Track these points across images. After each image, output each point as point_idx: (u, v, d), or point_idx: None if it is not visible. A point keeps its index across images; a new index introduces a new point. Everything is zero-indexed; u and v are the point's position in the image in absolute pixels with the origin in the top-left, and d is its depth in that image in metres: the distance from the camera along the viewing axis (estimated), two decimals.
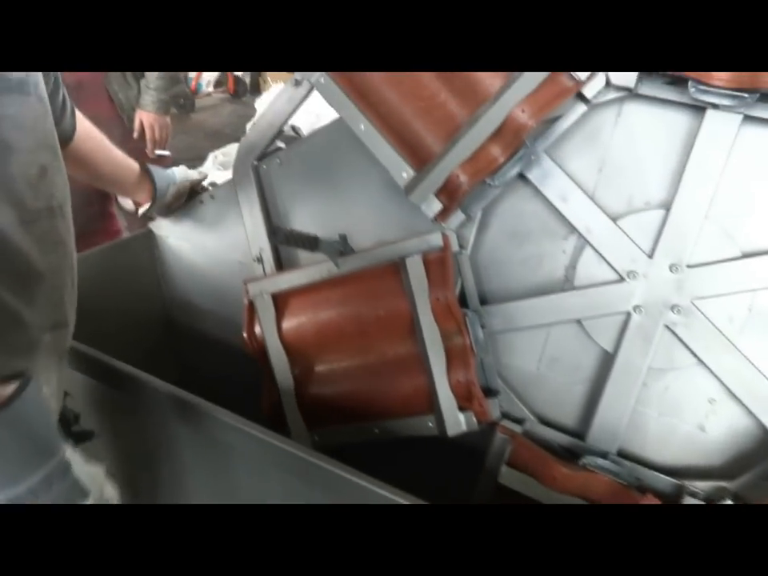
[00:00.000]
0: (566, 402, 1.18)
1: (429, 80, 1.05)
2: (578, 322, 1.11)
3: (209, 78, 6.48)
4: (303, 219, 1.30)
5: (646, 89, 0.96)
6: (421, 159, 1.07)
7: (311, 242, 1.18)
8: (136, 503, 1.38)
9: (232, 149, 3.17)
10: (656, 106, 0.98)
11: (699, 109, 0.95)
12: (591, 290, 1.09)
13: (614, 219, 1.05)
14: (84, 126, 1.19)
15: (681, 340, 1.04)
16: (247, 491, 1.12)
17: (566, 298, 1.10)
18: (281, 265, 1.32)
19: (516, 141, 0.98)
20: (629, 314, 1.06)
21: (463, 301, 1.18)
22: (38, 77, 0.77)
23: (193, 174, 1.44)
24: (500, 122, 0.97)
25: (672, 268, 1.01)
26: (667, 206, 1.00)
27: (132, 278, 1.58)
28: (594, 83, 0.96)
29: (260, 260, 1.27)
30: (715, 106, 0.92)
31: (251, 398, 1.30)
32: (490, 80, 1.01)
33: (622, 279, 1.06)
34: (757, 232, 0.98)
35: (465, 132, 1.01)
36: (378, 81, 1.08)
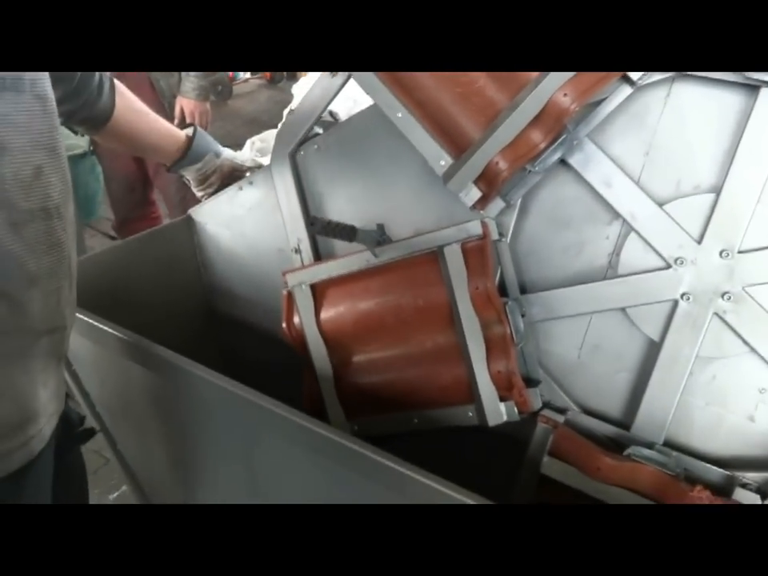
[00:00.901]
0: (609, 391, 1.13)
1: None
2: (623, 310, 1.06)
3: None
4: (340, 207, 1.28)
5: None
6: (459, 146, 1.04)
7: (349, 233, 1.16)
8: (181, 485, 1.40)
9: (269, 135, 3.13)
10: (707, 86, 0.92)
11: (752, 88, 0.89)
12: (636, 278, 1.04)
13: (661, 204, 1.00)
14: (125, 100, 1.19)
15: (731, 327, 0.99)
16: (286, 475, 1.11)
17: (609, 286, 1.06)
18: (319, 255, 1.30)
19: (558, 126, 0.94)
20: (676, 302, 1.01)
21: (503, 290, 1.14)
22: (37, 74, 0.73)
23: (241, 159, 1.43)
24: (541, 106, 0.93)
25: (722, 254, 0.96)
26: (717, 190, 0.95)
27: (172, 265, 1.56)
28: None
29: (298, 251, 1.26)
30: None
31: (292, 384, 1.27)
32: None
33: (668, 266, 1.01)
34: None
35: (504, 118, 0.96)
36: None
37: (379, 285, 1.21)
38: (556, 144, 0.95)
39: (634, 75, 0.92)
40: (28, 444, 0.80)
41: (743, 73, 0.87)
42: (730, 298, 0.97)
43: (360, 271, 1.21)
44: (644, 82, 0.93)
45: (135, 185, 2.39)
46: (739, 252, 0.96)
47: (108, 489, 1.88)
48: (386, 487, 0.90)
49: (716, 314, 0.99)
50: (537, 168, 0.97)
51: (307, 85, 3.15)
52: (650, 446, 1.06)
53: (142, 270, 1.47)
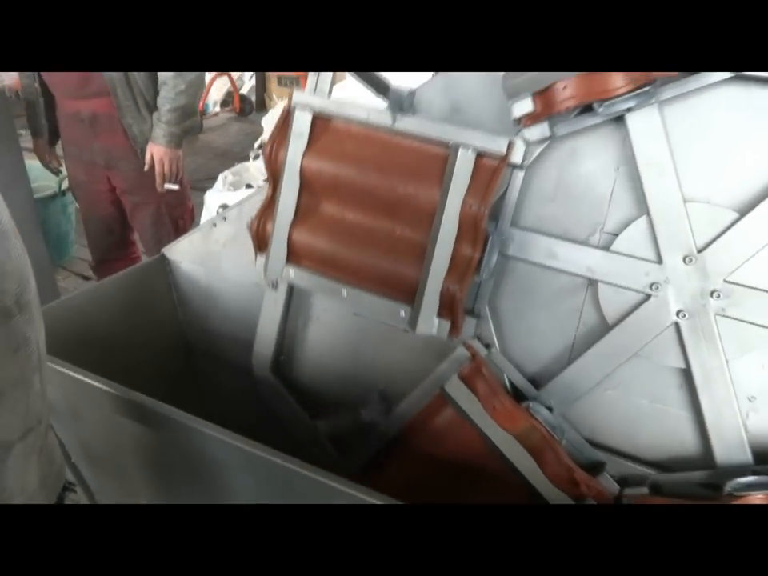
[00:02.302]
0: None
1: None
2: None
3: (215, 98, 6.10)
4: None
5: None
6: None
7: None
8: None
9: (241, 168, 3.14)
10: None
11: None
12: (626, 321, 1.01)
13: (606, 248, 1.01)
14: None
15: (740, 320, 0.95)
16: None
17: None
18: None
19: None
20: (677, 324, 0.98)
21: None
22: None
23: None
24: None
25: (686, 260, 0.95)
26: (642, 212, 0.97)
27: (148, 305, 1.46)
28: None
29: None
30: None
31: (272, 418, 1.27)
32: None
33: (648, 296, 0.99)
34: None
35: None
36: None
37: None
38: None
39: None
40: None
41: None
42: (719, 295, 0.95)
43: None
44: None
45: (113, 226, 2.22)
46: (699, 251, 0.95)
47: None
48: None
49: (718, 315, 0.96)
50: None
51: (275, 116, 2.92)
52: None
53: (117, 311, 1.37)
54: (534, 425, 1.06)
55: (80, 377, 1.00)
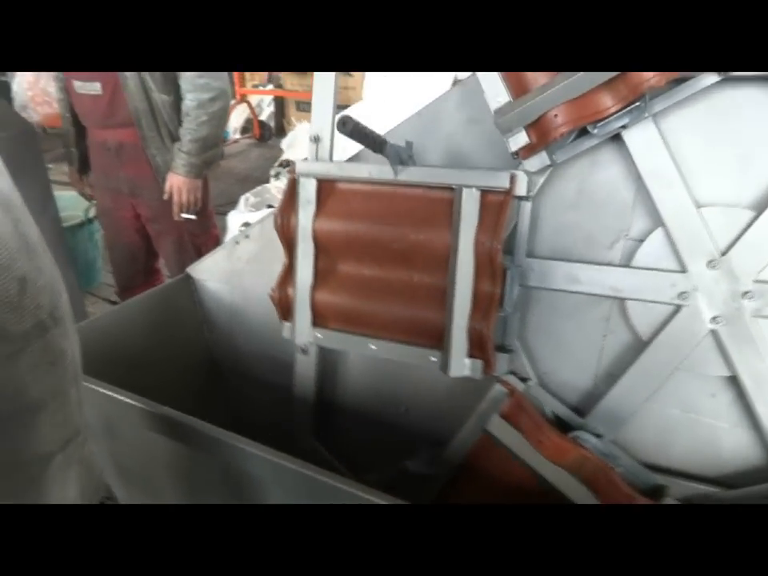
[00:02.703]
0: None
1: None
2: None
3: (235, 125, 6.34)
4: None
5: None
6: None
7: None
8: None
9: (262, 190, 3.21)
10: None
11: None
12: (662, 336, 0.99)
13: (627, 264, 0.99)
14: None
15: None
16: None
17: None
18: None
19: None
20: (714, 331, 0.95)
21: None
22: None
23: None
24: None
25: (710, 265, 0.92)
26: (660, 223, 0.95)
27: (173, 324, 1.48)
28: None
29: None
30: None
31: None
32: None
33: (679, 307, 0.96)
34: (745, 185, 0.90)
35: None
36: None
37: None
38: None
39: None
40: None
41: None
42: (752, 296, 0.91)
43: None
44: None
45: (137, 254, 2.29)
46: (722, 254, 0.92)
47: None
48: None
49: (755, 316, 0.92)
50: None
51: (295, 138, 3.02)
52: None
53: (144, 330, 1.40)
54: (585, 455, 1.01)
55: (111, 393, 1.01)
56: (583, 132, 0.95)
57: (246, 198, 3.08)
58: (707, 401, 1.00)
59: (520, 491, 1.07)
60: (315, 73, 1.15)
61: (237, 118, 6.31)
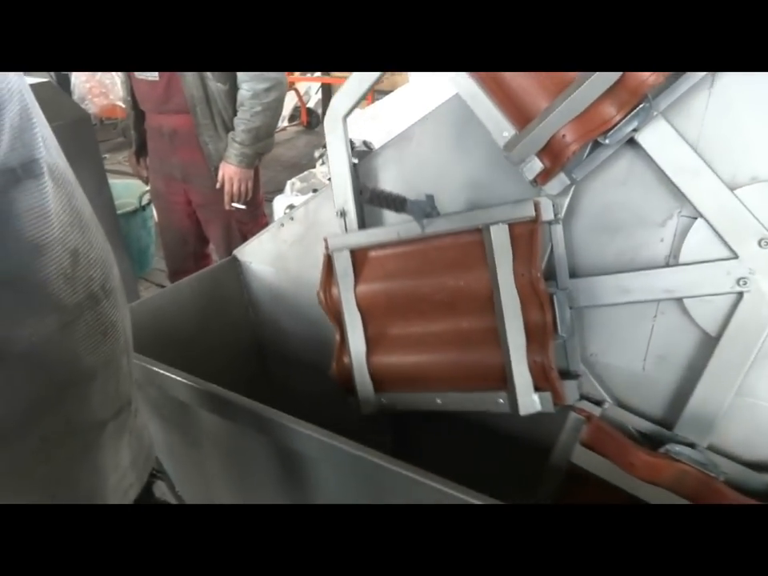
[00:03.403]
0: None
1: None
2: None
3: (283, 113, 6.48)
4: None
5: None
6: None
7: (398, 203, 1.08)
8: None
9: (308, 174, 3.20)
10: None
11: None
12: (733, 325, 0.92)
13: (675, 264, 0.94)
14: None
15: None
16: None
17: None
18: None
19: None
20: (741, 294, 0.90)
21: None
22: (42, 150, 0.56)
23: None
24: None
25: (762, 243, 0.87)
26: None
27: (221, 305, 1.51)
28: None
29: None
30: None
31: (344, 415, 1.22)
32: None
33: (741, 294, 0.91)
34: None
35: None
36: None
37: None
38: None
39: None
40: None
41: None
42: None
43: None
44: None
45: (188, 238, 2.34)
46: None
47: None
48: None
49: None
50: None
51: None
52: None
53: (192, 311, 1.43)
54: (683, 468, 0.94)
55: (161, 371, 1.00)
56: (597, 144, 0.94)
57: (292, 183, 3.04)
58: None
59: None
60: (329, 154, 1.19)
61: (285, 105, 6.35)
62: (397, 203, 1.05)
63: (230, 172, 1.98)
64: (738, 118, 0.87)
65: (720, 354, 0.94)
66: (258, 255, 1.47)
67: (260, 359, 1.57)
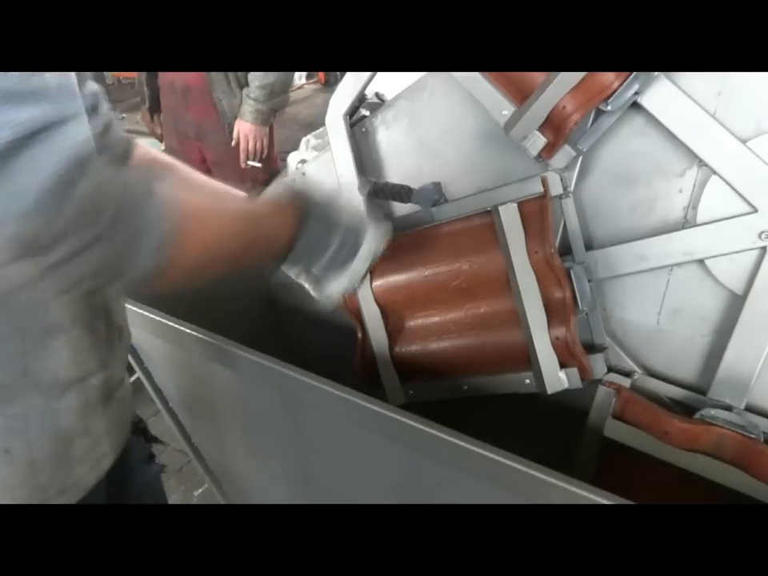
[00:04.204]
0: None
1: None
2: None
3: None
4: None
5: None
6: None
7: (404, 193, 1.06)
8: (257, 480, 1.32)
9: (322, 132, 2.90)
10: None
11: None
12: (759, 282, 0.88)
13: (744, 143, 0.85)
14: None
15: None
16: (366, 466, 0.99)
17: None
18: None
19: None
20: (765, 248, 0.86)
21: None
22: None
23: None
24: None
25: None
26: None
27: None
28: None
29: None
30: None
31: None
32: None
33: (765, 248, 0.86)
34: None
35: None
36: None
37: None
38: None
39: None
40: (65, 492, 0.69)
41: None
42: None
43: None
44: None
45: None
46: None
47: (193, 485, 1.78)
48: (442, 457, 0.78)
49: None
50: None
51: None
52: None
53: None
54: (721, 432, 0.90)
55: (176, 325, 0.99)
56: (600, 112, 0.91)
57: (307, 140, 2.92)
58: None
59: (667, 492, 0.96)
60: (333, 153, 1.18)
61: None
62: (402, 194, 1.03)
63: (245, 129, 1.93)
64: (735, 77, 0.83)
65: (748, 312, 0.90)
66: None
67: (272, 314, 1.55)
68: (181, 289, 0.60)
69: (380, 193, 1.04)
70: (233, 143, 1.98)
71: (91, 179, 0.45)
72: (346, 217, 0.78)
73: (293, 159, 2.76)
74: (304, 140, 2.95)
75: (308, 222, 0.73)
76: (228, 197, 0.79)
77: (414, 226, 1.08)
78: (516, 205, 0.98)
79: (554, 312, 0.99)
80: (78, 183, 0.44)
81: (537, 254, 0.97)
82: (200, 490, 1.93)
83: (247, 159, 2.00)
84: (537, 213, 0.98)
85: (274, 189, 0.80)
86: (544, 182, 0.96)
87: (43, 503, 0.67)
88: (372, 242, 0.80)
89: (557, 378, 0.98)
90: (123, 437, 0.80)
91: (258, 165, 2.04)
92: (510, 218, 0.99)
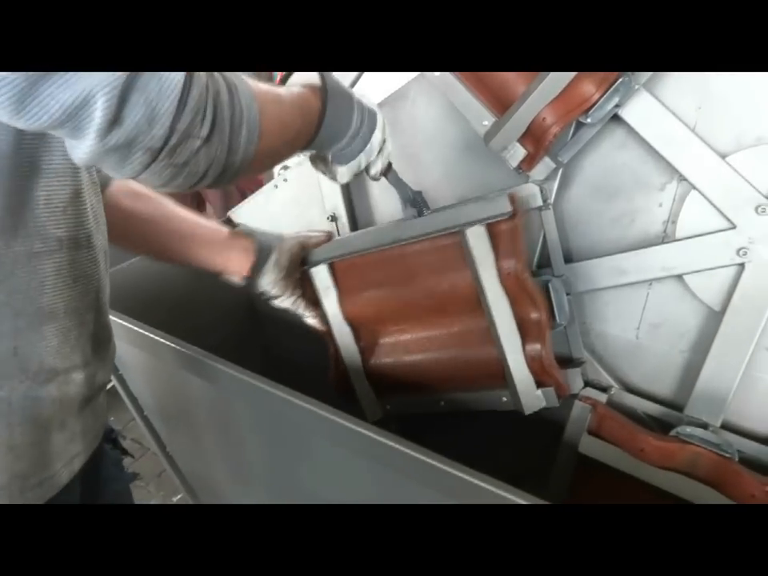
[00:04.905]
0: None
1: None
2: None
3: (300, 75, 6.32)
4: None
5: None
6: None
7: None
8: (231, 489, 1.28)
9: None
10: None
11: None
12: (737, 298, 0.86)
13: (671, 240, 0.86)
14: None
15: None
16: (337, 479, 0.96)
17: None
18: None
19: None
20: (743, 265, 0.84)
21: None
22: None
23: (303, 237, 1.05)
24: None
25: (759, 210, 0.80)
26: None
27: None
28: None
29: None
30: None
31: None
32: None
33: (742, 265, 0.84)
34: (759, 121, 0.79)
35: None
36: None
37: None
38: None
39: None
40: (43, 484, 0.68)
41: None
42: None
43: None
44: None
45: (186, 200, 2.29)
46: (767, 196, 0.79)
47: (172, 491, 1.73)
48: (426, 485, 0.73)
49: None
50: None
51: None
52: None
53: (185, 273, 1.31)
54: (696, 450, 0.88)
55: (150, 334, 0.96)
56: (581, 124, 0.89)
57: None
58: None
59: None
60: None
61: None
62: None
63: None
64: (740, 77, 0.80)
65: (726, 329, 0.88)
66: (253, 216, 1.41)
67: (252, 321, 1.51)
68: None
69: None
70: None
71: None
72: (360, 103, 0.78)
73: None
74: (282, 169, 2.98)
75: (330, 104, 0.73)
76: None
77: (380, 240, 1.01)
78: (484, 228, 0.90)
79: (529, 332, 0.94)
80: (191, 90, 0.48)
81: (509, 274, 0.91)
82: (179, 496, 1.88)
83: None
84: (507, 233, 0.90)
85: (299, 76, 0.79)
86: (513, 200, 0.88)
87: (21, 492, 0.66)
88: (380, 131, 0.81)
89: (534, 397, 0.95)
90: (96, 441, 0.79)
91: None
92: (478, 241, 0.90)
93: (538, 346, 0.93)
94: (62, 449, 0.70)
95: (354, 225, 1.12)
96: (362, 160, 0.80)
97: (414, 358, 1.07)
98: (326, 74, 0.74)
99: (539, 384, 0.94)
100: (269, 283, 0.99)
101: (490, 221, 0.88)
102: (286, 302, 1.04)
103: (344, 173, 0.81)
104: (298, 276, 1.03)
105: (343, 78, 1.02)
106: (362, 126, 0.77)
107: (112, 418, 2.40)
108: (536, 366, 0.93)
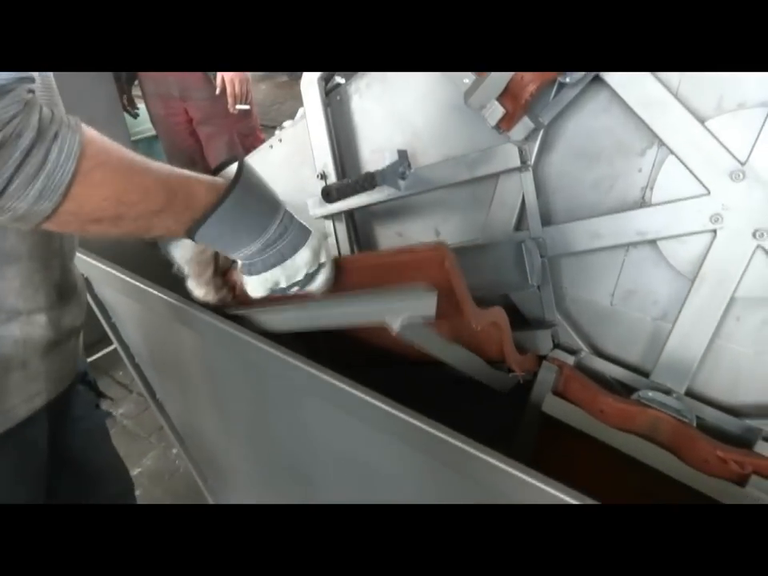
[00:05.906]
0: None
1: None
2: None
3: None
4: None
5: None
6: None
7: (368, 181, 1.00)
8: (220, 440, 1.31)
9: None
10: None
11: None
12: (708, 265, 0.84)
13: (647, 205, 0.83)
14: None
15: None
16: (327, 434, 0.93)
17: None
18: (345, 175, 1.12)
19: None
20: (761, 247, 0.80)
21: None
22: None
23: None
24: None
25: (734, 176, 0.78)
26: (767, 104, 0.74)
27: None
28: None
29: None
30: None
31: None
32: None
33: (715, 231, 0.82)
34: (747, 84, 0.75)
35: None
36: None
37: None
38: None
39: None
40: None
41: None
42: None
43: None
44: None
45: (195, 157, 2.27)
46: (743, 163, 0.76)
47: (172, 442, 1.77)
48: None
49: (761, 247, 0.79)
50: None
51: None
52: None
53: None
54: (656, 415, 0.87)
55: (139, 284, 0.96)
56: (562, 85, 0.87)
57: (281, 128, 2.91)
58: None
59: (599, 472, 0.92)
60: (307, 117, 1.15)
61: None
62: (366, 182, 0.99)
63: (229, 75, 1.95)
64: None
65: (694, 297, 0.86)
66: None
67: None
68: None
69: (344, 192, 1.00)
70: (218, 91, 1.97)
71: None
72: (291, 217, 0.70)
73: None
74: (301, 110, 2.93)
75: (239, 189, 0.65)
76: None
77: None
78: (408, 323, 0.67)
79: (497, 354, 0.88)
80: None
81: (463, 337, 0.78)
82: (176, 450, 1.93)
83: (235, 104, 2.01)
84: (444, 292, 0.68)
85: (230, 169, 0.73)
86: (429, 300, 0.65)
87: None
88: (311, 251, 0.70)
89: (506, 379, 0.93)
90: (64, 383, 0.81)
91: (247, 107, 2.04)
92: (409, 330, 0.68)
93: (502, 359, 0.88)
94: (21, 386, 0.71)
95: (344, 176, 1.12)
96: (278, 277, 0.68)
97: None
98: (245, 175, 0.66)
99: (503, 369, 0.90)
100: (182, 257, 0.82)
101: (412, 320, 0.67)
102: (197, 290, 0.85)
103: (255, 285, 0.70)
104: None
105: None
106: (281, 239, 0.67)
107: (121, 373, 2.47)
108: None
